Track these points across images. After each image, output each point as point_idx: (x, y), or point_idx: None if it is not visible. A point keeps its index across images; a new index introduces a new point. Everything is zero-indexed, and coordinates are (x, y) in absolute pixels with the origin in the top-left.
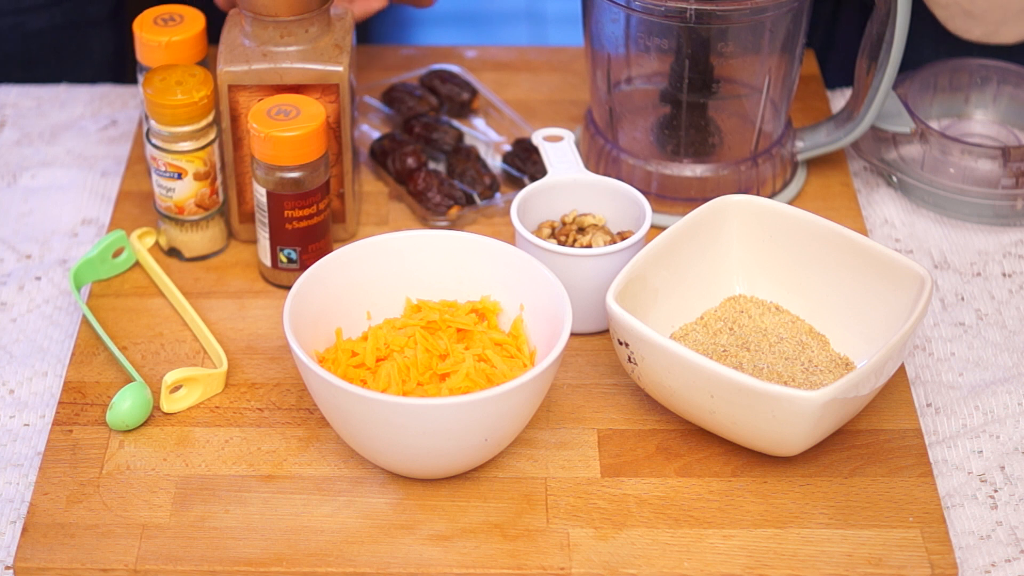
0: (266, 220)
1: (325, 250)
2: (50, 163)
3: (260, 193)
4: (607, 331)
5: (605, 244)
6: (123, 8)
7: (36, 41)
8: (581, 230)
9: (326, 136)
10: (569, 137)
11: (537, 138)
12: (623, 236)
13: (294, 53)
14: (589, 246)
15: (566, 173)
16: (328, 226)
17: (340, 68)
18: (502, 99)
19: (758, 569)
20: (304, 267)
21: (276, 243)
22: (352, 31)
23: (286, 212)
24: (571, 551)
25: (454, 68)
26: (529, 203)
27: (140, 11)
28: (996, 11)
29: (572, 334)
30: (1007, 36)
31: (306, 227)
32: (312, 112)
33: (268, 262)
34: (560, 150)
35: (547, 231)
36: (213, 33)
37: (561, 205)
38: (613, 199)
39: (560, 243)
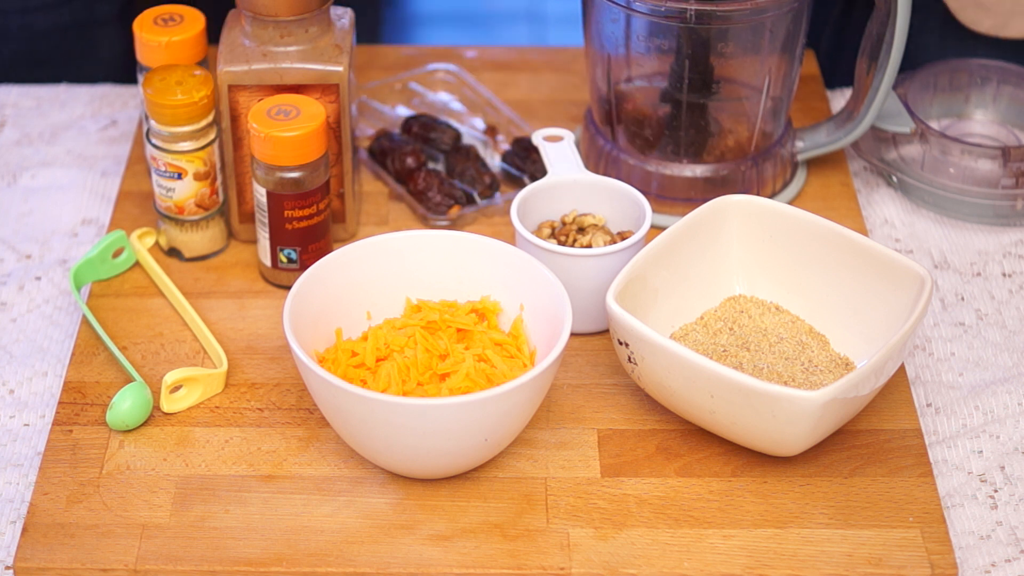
0: (266, 220)
1: (325, 250)
2: (50, 163)
3: (260, 193)
4: (607, 331)
5: (605, 244)
6: (131, 8)
7: (43, 41)
8: (581, 230)
9: (326, 136)
10: (569, 137)
11: (537, 138)
12: (623, 236)
13: (294, 53)
14: (589, 246)
15: (566, 173)
16: (328, 226)
17: (340, 68)
18: (502, 99)
19: (758, 569)
20: (304, 267)
21: (276, 243)
22: (352, 31)
23: (286, 212)
24: (571, 551)
25: (451, 67)
26: (529, 203)
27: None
28: (1007, 2)
29: (572, 334)
30: (1016, 30)
31: (306, 227)
32: (312, 112)
33: (268, 262)
34: (560, 150)
35: (547, 231)
36: (213, 33)
37: (561, 205)
38: (613, 199)
39: (560, 243)
